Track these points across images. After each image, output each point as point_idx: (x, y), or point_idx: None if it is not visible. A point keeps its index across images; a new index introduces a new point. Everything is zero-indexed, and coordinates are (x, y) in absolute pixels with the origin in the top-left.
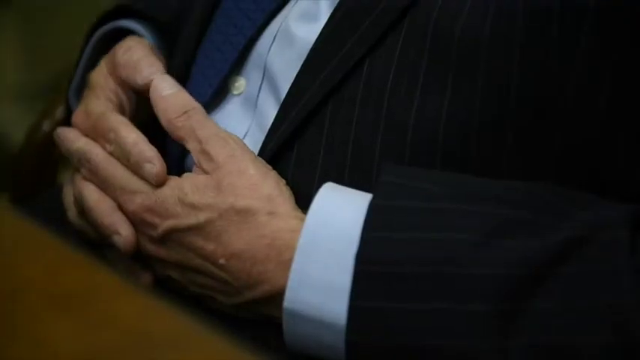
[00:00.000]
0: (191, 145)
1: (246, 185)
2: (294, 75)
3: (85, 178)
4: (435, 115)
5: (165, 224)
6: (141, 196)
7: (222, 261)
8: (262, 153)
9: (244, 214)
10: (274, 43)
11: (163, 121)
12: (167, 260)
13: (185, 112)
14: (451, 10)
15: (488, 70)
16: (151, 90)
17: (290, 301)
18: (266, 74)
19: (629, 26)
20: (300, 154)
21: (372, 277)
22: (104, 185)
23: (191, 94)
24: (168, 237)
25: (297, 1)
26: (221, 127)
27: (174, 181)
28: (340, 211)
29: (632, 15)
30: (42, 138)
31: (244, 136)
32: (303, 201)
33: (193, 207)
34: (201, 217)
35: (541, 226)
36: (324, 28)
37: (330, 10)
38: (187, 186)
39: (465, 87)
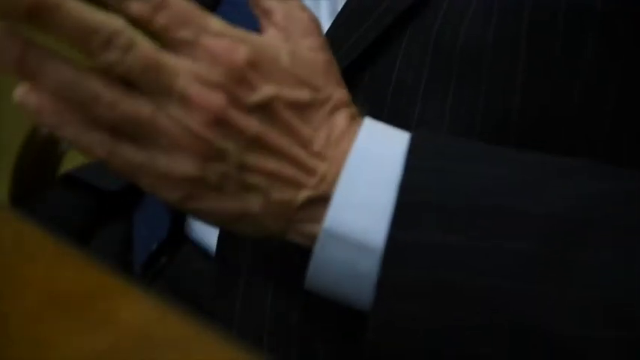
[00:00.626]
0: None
1: (339, 79)
2: None
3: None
4: (436, 122)
5: (269, 90)
6: (246, 48)
7: (316, 147)
8: None
9: (336, 108)
10: None
11: None
12: (246, 133)
13: None
14: (454, 16)
15: (492, 75)
16: None
17: (332, 220)
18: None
19: (635, 28)
20: None
21: (414, 206)
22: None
23: None
24: (264, 106)
25: None
26: None
27: (287, 44)
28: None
29: (637, 17)
30: (42, 137)
31: None
32: None
33: (300, 81)
34: (307, 95)
35: (603, 171)
36: (325, 33)
37: (330, 17)
38: (298, 53)
39: (468, 93)
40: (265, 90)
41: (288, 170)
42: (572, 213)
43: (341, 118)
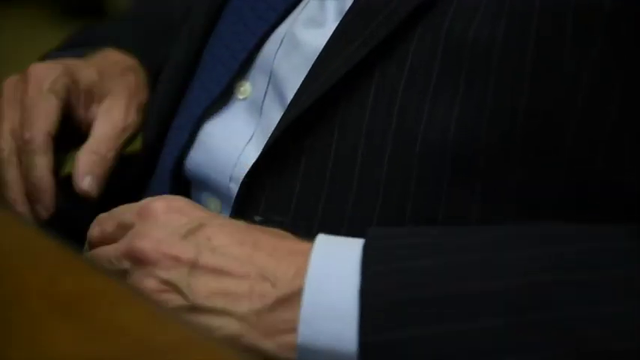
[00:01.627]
0: None
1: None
2: (300, 80)
3: None
4: (444, 122)
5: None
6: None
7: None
8: (261, 157)
9: None
10: (280, 48)
11: None
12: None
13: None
14: (464, 15)
15: (501, 73)
16: None
17: (303, 335)
18: (272, 79)
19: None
20: (306, 160)
21: (377, 310)
22: None
23: (197, 91)
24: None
25: (304, 7)
26: (226, 131)
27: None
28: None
29: None
30: None
31: (249, 141)
32: (307, 217)
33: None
34: None
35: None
36: (333, 33)
37: (336, 16)
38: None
39: (476, 93)
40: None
41: (242, 285)
42: (528, 279)
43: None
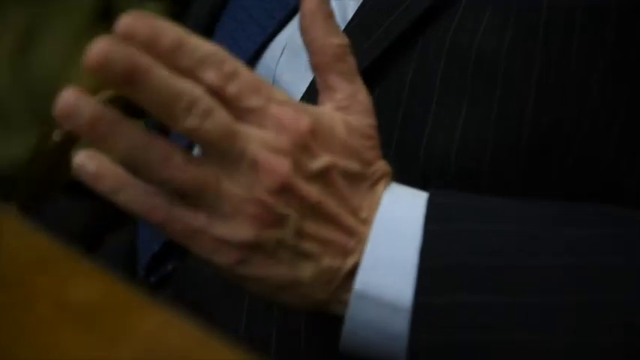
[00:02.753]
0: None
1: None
2: (305, 86)
3: None
4: (448, 132)
5: (327, 158)
6: (309, 118)
7: (364, 215)
8: None
9: (378, 180)
10: (283, 55)
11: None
12: (307, 200)
13: None
14: (469, 24)
15: (507, 84)
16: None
17: (361, 282)
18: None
19: None
20: None
21: (435, 271)
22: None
23: None
24: (322, 174)
25: None
26: None
27: (339, 115)
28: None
29: None
30: (52, 146)
31: None
32: None
33: (354, 152)
34: (357, 166)
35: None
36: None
37: (338, 22)
38: (353, 126)
39: (482, 102)
40: (324, 159)
41: (341, 237)
42: (587, 259)
43: (381, 189)
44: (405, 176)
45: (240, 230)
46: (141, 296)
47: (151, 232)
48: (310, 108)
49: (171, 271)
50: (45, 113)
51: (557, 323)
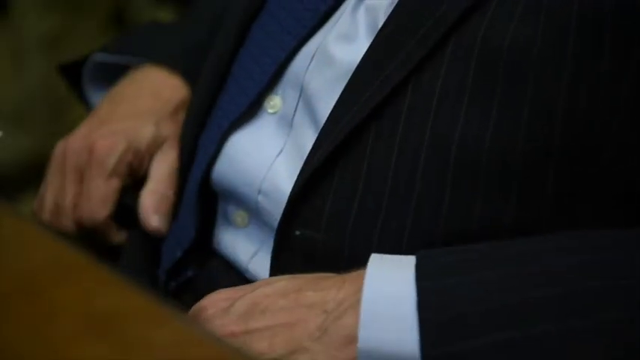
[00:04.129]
0: None
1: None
2: (332, 95)
3: None
4: (479, 136)
5: None
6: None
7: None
8: (301, 174)
9: None
10: (312, 63)
11: None
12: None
13: None
14: (499, 26)
15: (538, 82)
16: None
17: (365, 339)
18: (303, 94)
19: None
20: (340, 175)
21: (439, 324)
22: None
23: (226, 105)
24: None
25: (336, 22)
26: (253, 144)
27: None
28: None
29: None
30: None
31: (278, 154)
32: (339, 225)
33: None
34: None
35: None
36: (368, 48)
37: (368, 31)
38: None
39: (512, 105)
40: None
41: (297, 329)
42: (580, 285)
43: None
44: (436, 177)
45: None
46: (162, 306)
47: (176, 237)
48: None
49: (191, 278)
50: (58, 116)
51: (566, 348)
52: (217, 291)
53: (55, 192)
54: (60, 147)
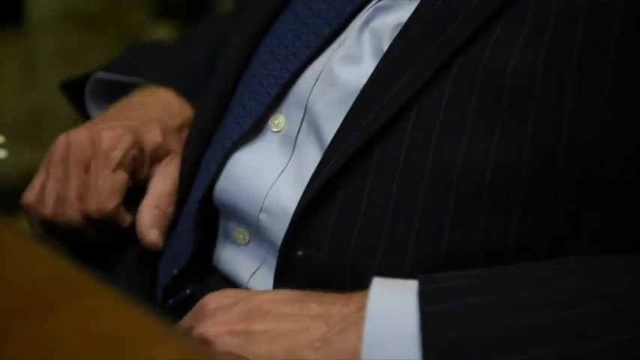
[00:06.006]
0: None
1: None
2: (337, 116)
3: None
4: (482, 157)
5: None
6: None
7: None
8: (304, 194)
9: None
10: (317, 84)
11: None
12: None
13: None
14: (503, 50)
15: (541, 106)
16: None
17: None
18: (307, 114)
19: None
20: (344, 195)
21: (440, 347)
22: None
23: (230, 125)
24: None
25: (341, 44)
26: (256, 162)
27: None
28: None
29: None
30: None
31: (281, 172)
32: (342, 245)
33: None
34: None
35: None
36: (374, 71)
37: (374, 54)
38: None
39: (515, 128)
40: None
41: (298, 336)
42: (575, 310)
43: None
44: (439, 198)
45: None
46: (163, 325)
47: (173, 254)
48: None
49: (189, 295)
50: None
51: None
52: (221, 290)
53: (58, 183)
54: (61, 139)
